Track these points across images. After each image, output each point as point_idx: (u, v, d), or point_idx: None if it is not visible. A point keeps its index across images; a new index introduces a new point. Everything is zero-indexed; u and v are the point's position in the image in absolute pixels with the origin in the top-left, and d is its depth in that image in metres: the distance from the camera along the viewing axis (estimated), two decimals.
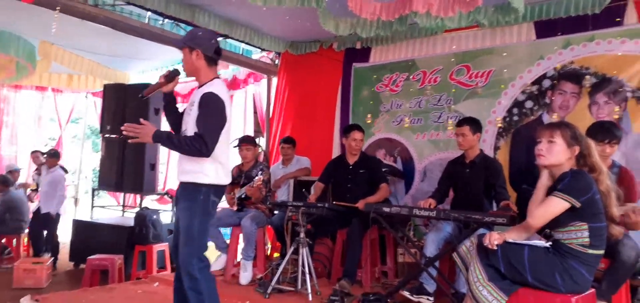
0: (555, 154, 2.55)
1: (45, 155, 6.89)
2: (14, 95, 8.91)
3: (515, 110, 4.78)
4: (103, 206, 8.04)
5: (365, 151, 5.60)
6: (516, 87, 4.78)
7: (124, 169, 6.31)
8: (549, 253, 2.54)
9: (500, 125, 4.82)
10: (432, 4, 4.23)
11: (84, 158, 9.92)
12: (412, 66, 5.50)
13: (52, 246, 6.48)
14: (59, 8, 4.23)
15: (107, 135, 6.51)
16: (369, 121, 5.71)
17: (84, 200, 10.43)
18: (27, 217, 6.65)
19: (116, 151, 6.35)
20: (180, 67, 2.92)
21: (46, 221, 6.43)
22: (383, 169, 4.80)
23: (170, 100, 2.92)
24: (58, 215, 6.54)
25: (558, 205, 2.44)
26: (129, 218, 6.54)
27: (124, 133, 2.62)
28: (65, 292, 4.08)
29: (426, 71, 5.37)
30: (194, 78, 2.85)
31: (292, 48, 6.37)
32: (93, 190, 7.38)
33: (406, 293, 3.62)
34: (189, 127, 2.70)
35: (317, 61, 6.23)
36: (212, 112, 2.64)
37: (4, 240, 6.42)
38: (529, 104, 4.71)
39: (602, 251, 2.50)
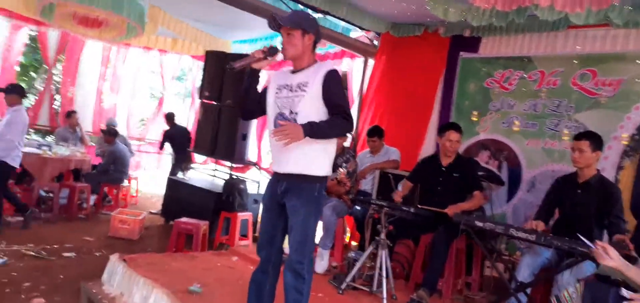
0: None
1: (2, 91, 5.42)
2: (124, 51, 9.54)
3: None
4: (194, 167, 8.31)
5: (467, 148, 5.24)
6: None
7: (218, 136, 6.47)
8: None
9: (626, 143, 4.22)
10: None
11: (183, 116, 10.40)
12: (528, 63, 4.99)
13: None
14: None
15: (205, 100, 6.70)
16: (474, 118, 5.30)
17: None
18: (128, 169, 7.09)
19: (212, 117, 6.52)
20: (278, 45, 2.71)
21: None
22: (479, 174, 4.41)
23: (256, 78, 2.70)
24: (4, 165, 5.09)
25: None
26: (218, 182, 6.74)
27: (275, 139, 2.44)
28: (150, 254, 4.25)
29: (545, 71, 4.84)
30: (288, 59, 2.64)
31: (394, 30, 6.05)
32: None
33: None
34: (303, 109, 2.49)
35: (420, 45, 5.88)
36: (342, 87, 2.58)
37: (105, 189, 6.91)
38: None
39: None
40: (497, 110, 5.17)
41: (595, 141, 3.50)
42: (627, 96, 4.27)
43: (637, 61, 4.24)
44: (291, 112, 2.52)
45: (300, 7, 5.64)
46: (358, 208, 4.60)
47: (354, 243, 5.46)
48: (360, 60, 6.78)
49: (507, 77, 5.11)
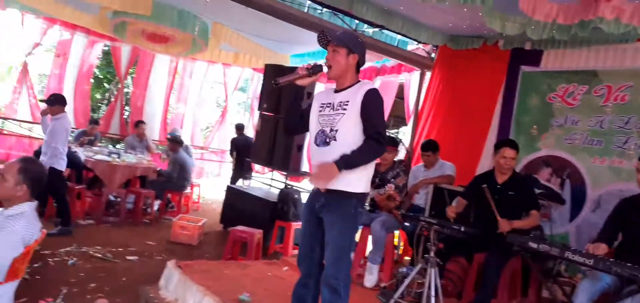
0: None
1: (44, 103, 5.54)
2: (191, 64, 10.01)
3: None
4: (249, 178, 8.53)
5: (528, 164, 5.09)
6: None
7: (275, 146, 6.63)
8: None
9: None
10: (624, 10, 3.56)
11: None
12: (593, 78, 4.75)
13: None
14: None
15: (263, 112, 6.89)
16: (534, 133, 5.11)
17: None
18: (190, 176, 7.40)
19: (270, 129, 6.70)
20: (323, 63, 2.81)
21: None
22: (538, 192, 4.23)
23: (300, 95, 2.85)
24: (53, 170, 5.14)
25: None
26: (274, 192, 6.90)
27: (313, 184, 2.66)
28: (205, 261, 4.44)
29: (612, 86, 4.59)
30: (332, 78, 2.71)
31: (452, 42, 5.95)
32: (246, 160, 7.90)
33: None
34: (343, 127, 2.56)
35: (478, 58, 5.74)
36: (381, 108, 2.62)
37: (169, 195, 7.25)
38: None
39: None
40: (559, 126, 4.96)
41: None
42: None
43: None
44: (332, 129, 2.59)
45: (356, 22, 5.71)
46: (407, 224, 4.56)
47: (406, 258, 5.39)
48: (417, 73, 6.72)
49: (570, 92, 4.89)
